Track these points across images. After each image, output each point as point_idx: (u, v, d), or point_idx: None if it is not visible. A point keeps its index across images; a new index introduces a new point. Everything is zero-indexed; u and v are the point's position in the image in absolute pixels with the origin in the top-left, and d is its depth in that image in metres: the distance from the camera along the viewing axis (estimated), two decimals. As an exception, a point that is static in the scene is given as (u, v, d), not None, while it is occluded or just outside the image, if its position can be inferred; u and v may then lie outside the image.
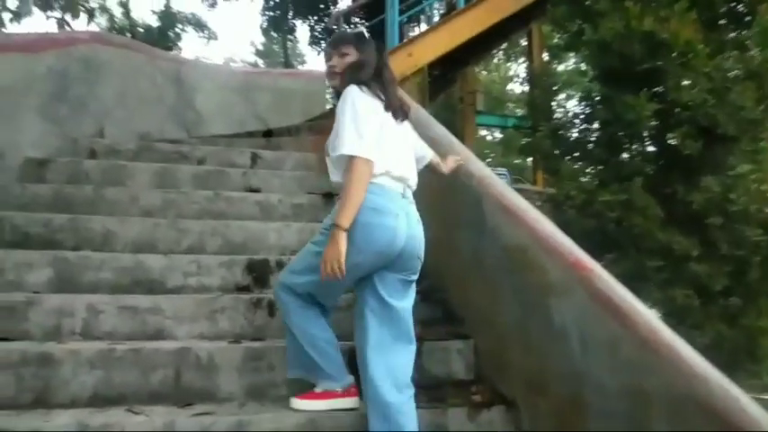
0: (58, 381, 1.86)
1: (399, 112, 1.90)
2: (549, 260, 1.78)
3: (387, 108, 1.84)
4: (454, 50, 7.07)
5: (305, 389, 1.94)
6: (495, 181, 2.30)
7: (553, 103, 7.06)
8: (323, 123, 4.70)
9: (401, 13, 7.33)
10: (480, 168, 2.42)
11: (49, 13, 6.00)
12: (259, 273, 2.60)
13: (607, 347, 1.50)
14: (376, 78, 1.87)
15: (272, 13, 14.94)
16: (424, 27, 9.44)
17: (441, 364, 2.20)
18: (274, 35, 18.65)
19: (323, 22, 13.43)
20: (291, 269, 1.96)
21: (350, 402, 1.90)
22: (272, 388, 2.02)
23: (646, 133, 5.58)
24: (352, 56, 1.95)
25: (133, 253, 2.63)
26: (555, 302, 1.72)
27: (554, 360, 1.72)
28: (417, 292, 2.57)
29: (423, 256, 1.92)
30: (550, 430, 1.76)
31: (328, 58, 2.02)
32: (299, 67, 22.49)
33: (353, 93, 1.79)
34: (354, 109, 1.75)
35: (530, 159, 11.14)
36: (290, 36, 17.76)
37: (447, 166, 2.30)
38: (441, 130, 2.79)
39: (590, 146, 5.97)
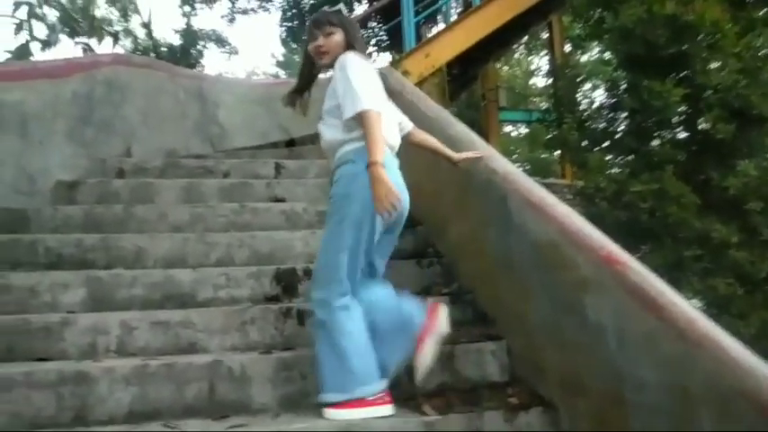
0: (95, 398, 1.88)
1: None
2: (580, 255, 1.73)
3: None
4: (473, 48, 7.01)
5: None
6: (521, 177, 2.25)
7: (578, 95, 6.94)
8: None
9: (417, 14, 7.31)
10: (504, 165, 2.38)
11: (76, 39, 6.16)
12: (287, 282, 2.60)
13: (645, 343, 1.45)
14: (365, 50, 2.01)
15: (289, 24, 15.09)
16: (441, 27, 9.40)
17: (474, 366, 2.16)
18: (294, 45, 18.83)
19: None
20: (324, 272, 1.93)
21: (384, 410, 1.87)
22: (305, 397, 2.01)
23: (675, 119, 5.42)
24: (338, 35, 2.03)
25: (164, 268, 2.66)
26: (589, 299, 1.67)
27: (591, 358, 1.67)
28: (446, 294, 2.56)
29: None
30: (591, 430, 1.70)
31: (314, 38, 2.06)
32: (319, 75, 22.59)
33: (358, 58, 1.93)
34: (364, 71, 1.89)
35: (557, 153, 10.96)
36: (309, 45, 17.89)
37: (458, 155, 2.32)
38: (461, 129, 2.75)
39: (618, 135, 5.83)
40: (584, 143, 6.01)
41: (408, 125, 2.34)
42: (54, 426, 1.80)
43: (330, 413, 1.86)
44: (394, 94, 3.92)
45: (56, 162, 3.39)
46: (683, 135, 5.62)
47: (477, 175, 2.41)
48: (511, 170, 2.30)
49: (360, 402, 1.85)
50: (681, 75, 5.11)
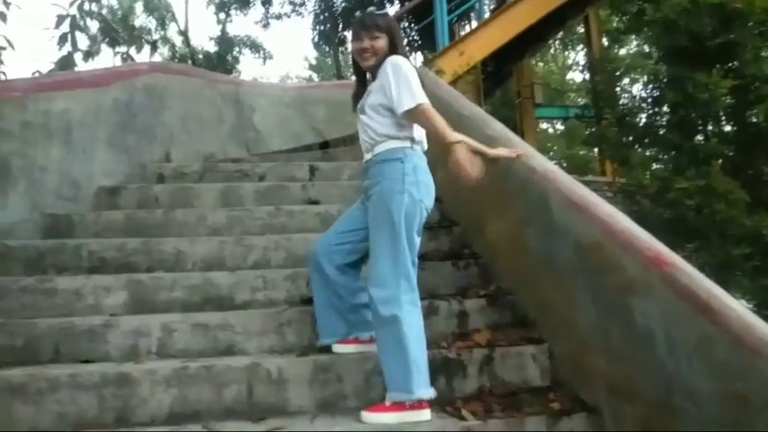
0: (137, 400, 1.91)
1: None
2: (626, 257, 1.66)
3: None
4: (507, 44, 6.91)
5: (374, 401, 1.90)
6: (562, 175, 2.19)
7: (617, 89, 6.75)
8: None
9: (450, 12, 7.25)
10: (544, 162, 2.32)
11: (116, 48, 6.36)
12: (323, 284, 2.59)
13: (697, 348, 1.37)
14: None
15: (322, 28, 15.19)
16: (475, 24, 9.29)
17: (515, 370, 2.11)
18: (326, 49, 18.97)
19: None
20: (391, 280, 1.90)
21: (421, 415, 1.84)
22: (342, 400, 2.00)
23: (722, 112, 5.21)
24: (383, 40, 2.06)
25: (202, 271, 2.69)
26: (636, 302, 1.60)
27: (639, 363, 1.60)
28: (484, 296, 2.51)
29: None
30: (639, 439, 1.63)
31: (359, 39, 2.08)
32: (353, 76, 22.72)
33: (407, 62, 2.02)
34: (413, 73, 1.99)
35: (596, 150, 10.69)
36: (341, 48, 18.01)
37: (493, 151, 2.21)
38: (498, 127, 2.70)
39: (661, 131, 5.64)
40: (625, 139, 5.84)
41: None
42: (97, 426, 1.84)
43: (367, 417, 1.84)
44: (429, 93, 3.89)
45: (98, 168, 3.48)
46: (729, 128, 5.40)
47: (515, 173, 2.36)
48: (551, 168, 2.24)
49: (395, 407, 1.83)
50: (728, 66, 4.90)
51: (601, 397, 1.83)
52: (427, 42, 9.47)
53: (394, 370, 1.86)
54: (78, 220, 3.08)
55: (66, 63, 4.37)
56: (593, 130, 6.55)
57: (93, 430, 1.82)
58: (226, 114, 4.76)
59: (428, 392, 1.85)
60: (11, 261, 2.67)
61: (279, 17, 14.94)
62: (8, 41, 4.05)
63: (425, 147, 2.11)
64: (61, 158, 3.18)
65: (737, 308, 1.32)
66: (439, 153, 2.34)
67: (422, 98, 1.94)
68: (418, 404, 1.83)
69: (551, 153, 18.57)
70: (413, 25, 11.41)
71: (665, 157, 5.61)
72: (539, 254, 2.24)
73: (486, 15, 8.79)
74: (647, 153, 5.64)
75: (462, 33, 8.18)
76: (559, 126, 19.27)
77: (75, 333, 2.18)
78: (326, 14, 14.33)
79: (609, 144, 6.17)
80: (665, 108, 5.66)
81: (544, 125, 18.64)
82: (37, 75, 3.97)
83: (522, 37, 7.10)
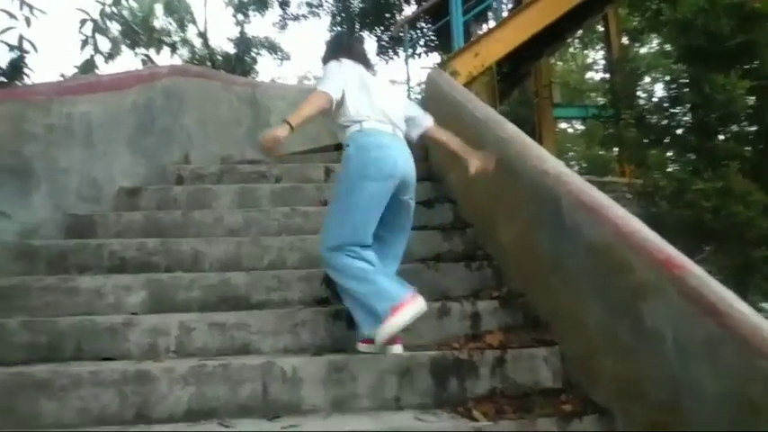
0: (156, 397, 1.96)
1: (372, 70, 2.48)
2: (636, 259, 1.66)
3: (367, 69, 2.43)
4: (524, 44, 6.87)
5: (387, 401, 1.95)
6: (574, 177, 2.19)
7: (637, 89, 6.68)
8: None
9: (466, 12, 7.24)
10: (556, 165, 2.32)
11: (136, 50, 6.47)
12: (336, 285, 2.62)
13: (705, 350, 1.38)
14: (346, 55, 2.41)
15: (339, 28, 15.25)
16: (493, 25, 9.26)
17: (526, 372, 2.11)
18: (344, 49, 18.97)
19: (389, 31, 13.54)
20: (330, 234, 2.22)
21: (416, 306, 2.10)
22: (355, 399, 2.03)
23: (742, 114, 5.14)
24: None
25: (220, 271, 2.75)
26: (645, 304, 1.61)
27: (648, 365, 1.61)
28: (497, 297, 2.53)
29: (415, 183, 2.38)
30: (649, 441, 1.64)
31: None
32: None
33: (328, 64, 2.38)
34: (327, 68, 2.36)
35: (615, 150, 10.57)
36: (358, 48, 18.01)
37: (473, 165, 2.42)
38: (512, 130, 2.71)
39: (679, 131, 5.58)
40: (643, 140, 5.78)
41: (425, 122, 2.54)
42: (118, 422, 1.89)
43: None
44: (442, 95, 3.91)
45: (118, 169, 3.56)
46: (749, 129, 5.32)
47: (527, 176, 2.37)
48: (563, 170, 2.25)
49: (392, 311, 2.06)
50: (747, 66, 4.83)
51: (611, 398, 1.84)
52: (444, 42, 9.47)
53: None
54: (99, 220, 3.17)
55: (88, 66, 4.47)
56: (612, 130, 6.48)
57: (113, 428, 1.87)
58: (243, 116, 4.84)
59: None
60: (34, 260, 2.75)
61: (296, 18, 15.02)
62: (32, 45, 4.15)
63: (379, 118, 2.29)
64: (83, 160, 3.27)
65: (745, 310, 1.32)
66: (450, 156, 2.36)
67: (320, 85, 2.28)
68: (400, 304, 2.08)
69: (571, 153, 18.39)
70: (430, 25, 11.43)
71: (684, 158, 5.55)
72: (550, 256, 2.25)
73: (504, 15, 8.76)
74: (665, 154, 5.58)
75: (479, 33, 8.15)
76: (580, 126, 19.08)
77: (96, 331, 2.25)
78: (343, 15, 14.39)
79: (626, 145, 6.11)
80: (684, 108, 5.60)
81: (564, 125, 18.48)
82: (61, 78, 4.07)
83: (540, 36, 7.06)
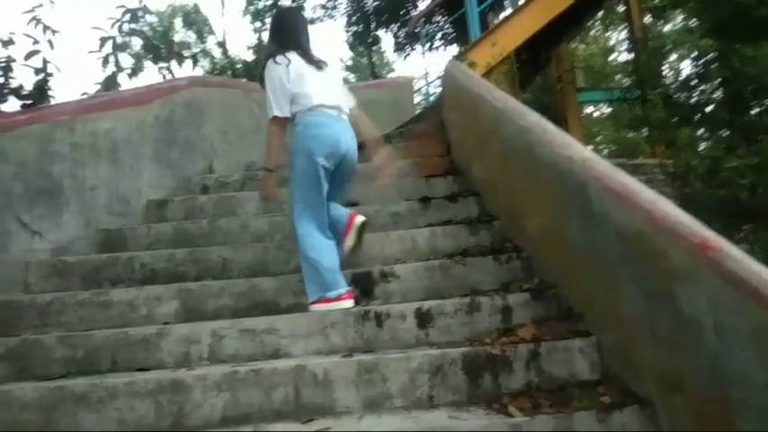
0: (191, 405, 1.98)
1: (319, 63, 2.70)
2: (669, 244, 1.60)
3: (308, 63, 2.65)
4: (542, 30, 6.75)
5: (420, 400, 1.93)
6: (600, 163, 2.12)
7: (662, 68, 6.49)
8: (413, 128, 4.68)
9: (482, 2, 7.15)
10: (581, 151, 2.25)
11: (160, 64, 6.58)
12: (364, 285, 2.62)
13: (750, 336, 1.31)
14: (286, 46, 2.65)
15: (355, 28, 15.27)
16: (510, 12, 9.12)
17: (562, 364, 2.06)
18: (361, 49, 19.03)
19: (405, 27, 13.48)
20: (291, 209, 2.60)
21: (340, 305, 2.43)
22: (387, 400, 2.01)
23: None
24: None
25: (247, 277, 2.77)
26: (681, 290, 1.54)
27: (689, 354, 1.54)
28: (528, 290, 2.48)
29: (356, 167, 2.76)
30: (693, 431, 1.57)
31: None
32: (388, 74, 22.75)
33: (266, 68, 2.63)
34: (268, 82, 2.61)
35: (645, 131, 10.31)
36: (375, 47, 18.04)
37: (376, 159, 2.87)
38: (533, 118, 2.64)
39: (709, 108, 5.40)
40: (671, 120, 5.61)
41: (349, 105, 2.79)
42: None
43: (311, 308, 2.47)
44: (459, 87, 3.86)
45: (145, 183, 3.62)
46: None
47: (552, 164, 2.31)
48: (588, 156, 2.18)
49: (328, 301, 2.44)
50: (778, 36, 4.63)
51: (652, 389, 1.77)
52: (461, 34, 9.37)
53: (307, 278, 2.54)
54: (129, 233, 3.22)
55: (110, 83, 4.56)
56: (638, 112, 6.31)
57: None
58: (264, 122, 4.85)
59: (338, 291, 2.47)
60: (69, 276, 2.81)
61: (312, 21, 15.11)
62: (56, 67, 4.25)
63: (324, 104, 2.60)
64: (110, 176, 3.33)
65: (791, 292, 1.25)
66: (475, 147, 2.32)
67: (269, 110, 2.63)
68: (337, 298, 2.44)
69: (599, 138, 18.05)
70: (446, 18, 11.33)
71: (715, 135, 5.36)
72: (581, 244, 2.18)
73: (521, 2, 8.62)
74: (696, 133, 5.40)
75: (495, 22, 8.03)
76: (606, 109, 18.69)
77: (130, 343, 2.28)
78: (358, 15, 14.40)
79: (654, 125, 5.94)
80: (713, 85, 5.41)
81: (589, 109, 18.14)
82: (85, 96, 4.15)
83: (558, 21, 6.92)
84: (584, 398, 1.92)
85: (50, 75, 4.08)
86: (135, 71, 5.37)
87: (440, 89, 7.72)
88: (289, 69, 2.58)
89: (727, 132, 5.21)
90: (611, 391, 1.92)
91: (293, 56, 2.62)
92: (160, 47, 7.03)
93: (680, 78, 6.04)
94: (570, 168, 2.17)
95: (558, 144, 2.30)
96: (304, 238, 2.53)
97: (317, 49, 2.79)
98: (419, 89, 10.15)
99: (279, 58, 2.60)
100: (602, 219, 1.97)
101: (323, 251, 2.52)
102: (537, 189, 2.56)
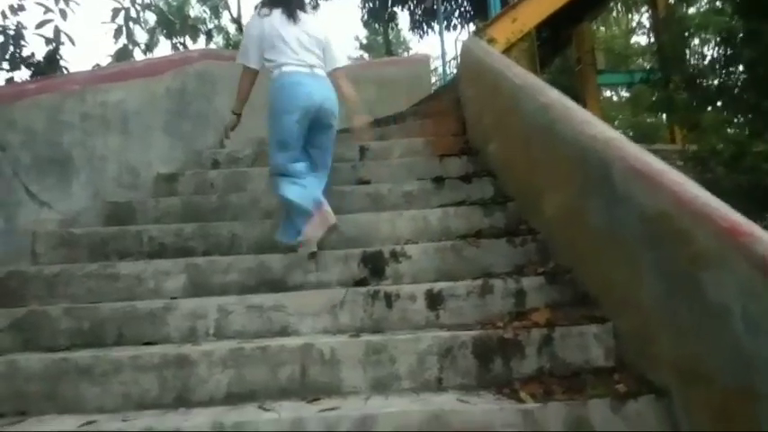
0: (195, 380, 1.95)
1: (299, 20, 2.77)
2: (697, 227, 1.51)
3: (289, 18, 2.74)
4: (564, 8, 6.57)
5: (428, 382, 1.86)
6: (625, 143, 2.03)
7: (686, 50, 6.29)
8: (428, 106, 4.59)
9: (502, -22, 6.97)
10: (605, 130, 2.16)
11: (174, 39, 6.51)
12: (374, 265, 2.57)
13: (782, 326, 1.24)
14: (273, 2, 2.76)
15: (371, 5, 15.02)
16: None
17: (576, 350, 2.00)
18: (376, 26, 18.78)
19: (422, 3, 13.23)
20: (269, 157, 2.76)
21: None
22: (395, 381, 1.96)
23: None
24: None
25: (256, 254, 2.72)
26: (708, 276, 1.46)
27: (712, 343, 1.47)
28: (542, 273, 2.41)
29: (337, 113, 2.82)
30: (712, 423, 1.50)
31: None
32: (404, 53, 22.47)
33: (250, 18, 2.83)
34: (245, 30, 2.85)
35: (665, 116, 10.07)
36: (391, 24, 17.78)
37: (354, 121, 2.97)
38: (554, 95, 2.54)
39: (735, 91, 5.22)
40: (695, 103, 5.44)
41: (331, 67, 2.86)
42: (158, 406, 1.89)
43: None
44: (479, 63, 3.75)
45: (155, 155, 3.58)
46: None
47: (573, 142, 2.22)
48: (613, 135, 2.09)
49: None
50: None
51: (670, 378, 1.70)
52: (480, 13, 9.17)
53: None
54: (138, 206, 3.19)
55: (122, 55, 4.50)
56: (661, 94, 6.13)
57: (153, 410, 1.87)
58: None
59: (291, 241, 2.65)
60: (76, 248, 2.79)
61: (327, -3, 14.88)
62: (69, 37, 4.20)
63: (295, 61, 2.70)
64: (120, 147, 3.29)
65: (829, 281, 1.17)
66: (493, 123, 2.23)
67: (239, 57, 2.82)
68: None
69: (616, 122, 17.74)
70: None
71: (741, 119, 5.20)
72: (600, 227, 2.10)
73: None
74: (721, 116, 5.23)
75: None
76: (625, 93, 18.33)
77: (136, 316, 2.26)
78: (375, -9, 14.16)
79: (677, 108, 5.77)
80: (741, 67, 5.23)
81: (608, 92, 17.80)
82: (96, 68, 4.10)
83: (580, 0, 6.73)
84: (599, 385, 1.86)
85: (62, 44, 4.03)
86: (149, 46, 5.31)
87: (456, 70, 7.58)
88: (266, 23, 2.72)
89: (752, 116, 5.04)
90: (627, 379, 1.86)
91: (276, 12, 2.74)
92: (174, 21, 6.95)
93: (705, 61, 5.83)
94: (594, 147, 2.08)
95: (581, 122, 2.21)
96: (280, 180, 2.69)
97: (333, 25, 2.80)
98: (435, 69, 10.00)
99: (262, 11, 2.75)
100: (624, 200, 1.89)
101: (294, 192, 2.65)
102: (556, 168, 2.47)
